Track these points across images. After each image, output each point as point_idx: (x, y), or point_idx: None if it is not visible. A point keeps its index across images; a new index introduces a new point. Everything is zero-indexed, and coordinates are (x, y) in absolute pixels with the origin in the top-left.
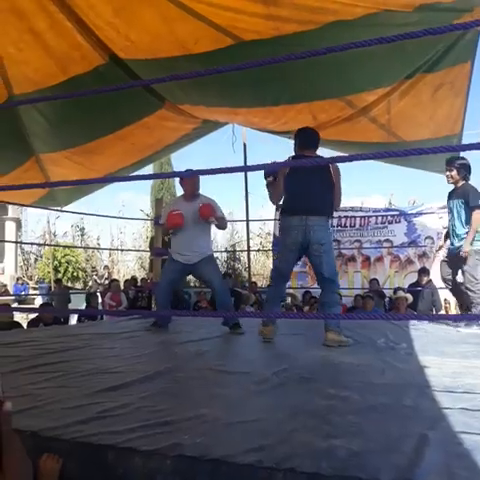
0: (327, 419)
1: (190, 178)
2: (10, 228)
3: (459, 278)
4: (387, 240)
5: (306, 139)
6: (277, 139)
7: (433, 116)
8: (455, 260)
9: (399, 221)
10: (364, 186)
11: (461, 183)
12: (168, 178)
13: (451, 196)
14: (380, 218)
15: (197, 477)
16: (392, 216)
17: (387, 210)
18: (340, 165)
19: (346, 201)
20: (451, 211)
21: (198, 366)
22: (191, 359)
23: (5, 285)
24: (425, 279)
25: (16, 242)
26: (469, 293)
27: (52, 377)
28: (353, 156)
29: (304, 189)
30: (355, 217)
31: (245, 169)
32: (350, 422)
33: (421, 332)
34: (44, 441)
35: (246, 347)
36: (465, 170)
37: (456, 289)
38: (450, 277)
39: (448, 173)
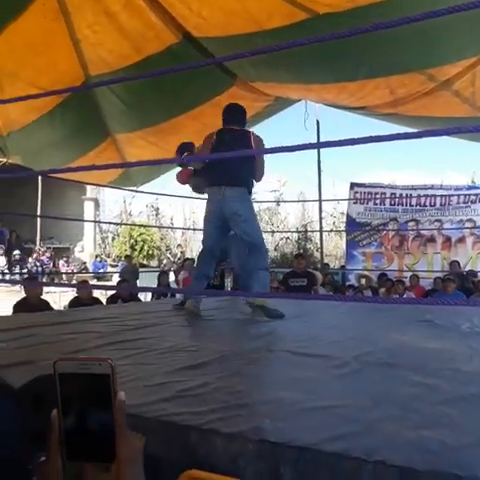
0: (414, 408)
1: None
2: (89, 208)
3: None
4: (470, 220)
5: (229, 115)
6: (353, 116)
7: None
8: None
9: None
10: (442, 164)
11: None
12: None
13: None
14: (462, 197)
15: (280, 463)
16: (475, 195)
17: (470, 188)
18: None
19: (425, 179)
20: None
21: (275, 347)
22: (266, 340)
23: (85, 262)
24: None
25: (94, 221)
26: None
27: (132, 354)
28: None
29: (222, 162)
30: (435, 196)
31: (318, 146)
32: (440, 412)
33: None
34: (128, 418)
35: (322, 329)
36: None
37: None
38: None
39: None
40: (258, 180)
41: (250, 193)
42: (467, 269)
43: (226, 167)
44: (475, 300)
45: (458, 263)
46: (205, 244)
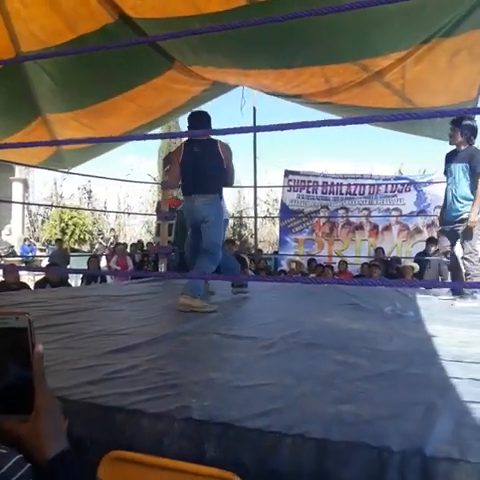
0: (335, 385)
1: None
2: (17, 189)
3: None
4: (396, 209)
5: (195, 122)
6: (289, 104)
7: (449, 83)
8: (454, 229)
9: (409, 190)
10: (373, 155)
11: (465, 146)
12: (176, 138)
13: (452, 159)
14: (390, 186)
15: (205, 440)
16: (402, 184)
17: (397, 178)
18: (350, 129)
19: (356, 168)
20: (451, 175)
21: (206, 330)
22: (197, 323)
23: (12, 246)
24: (432, 249)
25: (23, 203)
26: (467, 264)
27: (60, 338)
28: (346, 120)
29: (191, 171)
30: (364, 185)
31: (254, 130)
32: (358, 388)
33: (428, 301)
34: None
35: (253, 312)
36: (470, 132)
37: (453, 262)
38: (449, 249)
39: (451, 133)
40: (229, 186)
41: (221, 198)
42: (392, 256)
43: (196, 176)
44: (385, 280)
45: (382, 250)
46: (189, 244)
